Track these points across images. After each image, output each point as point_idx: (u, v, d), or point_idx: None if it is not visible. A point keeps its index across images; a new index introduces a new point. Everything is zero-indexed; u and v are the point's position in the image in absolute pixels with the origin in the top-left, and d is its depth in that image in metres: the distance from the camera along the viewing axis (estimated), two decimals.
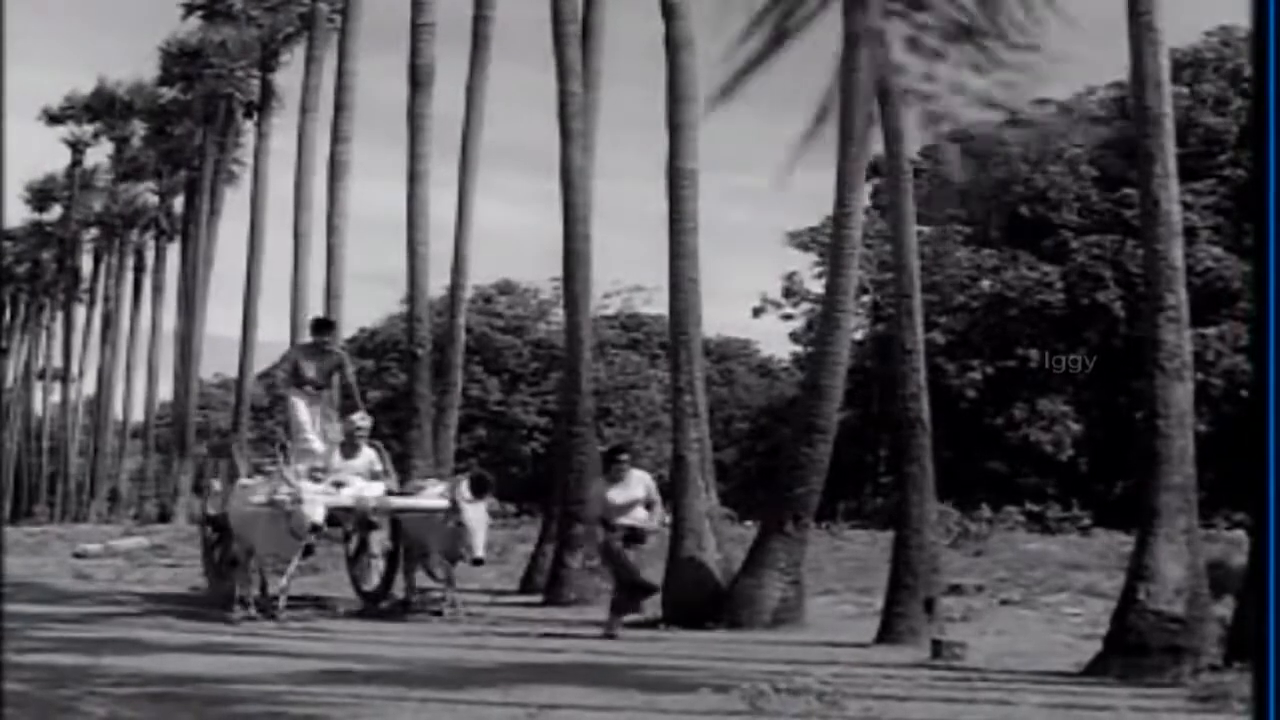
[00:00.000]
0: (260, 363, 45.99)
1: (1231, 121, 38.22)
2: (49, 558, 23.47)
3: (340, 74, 27.51)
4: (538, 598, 15.90)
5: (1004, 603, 15.62)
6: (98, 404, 51.93)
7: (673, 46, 15.21)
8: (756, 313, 44.88)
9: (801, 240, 42.22)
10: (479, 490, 13.69)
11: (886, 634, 12.27)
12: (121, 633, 12.29)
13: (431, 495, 14.24)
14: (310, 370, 15.12)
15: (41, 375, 58.71)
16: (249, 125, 41.60)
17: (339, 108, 27.26)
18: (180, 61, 41.36)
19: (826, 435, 13.77)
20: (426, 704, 8.36)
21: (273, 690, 8.92)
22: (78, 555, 23.55)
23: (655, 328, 49.15)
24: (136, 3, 79.35)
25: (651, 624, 13.38)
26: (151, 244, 50.97)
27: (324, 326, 16.45)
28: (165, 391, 48.84)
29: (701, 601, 13.59)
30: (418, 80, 22.47)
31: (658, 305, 43.57)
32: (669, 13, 15.25)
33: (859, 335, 37.85)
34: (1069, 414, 37.31)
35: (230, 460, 15.61)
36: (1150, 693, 9.23)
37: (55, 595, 16.46)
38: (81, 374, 55.25)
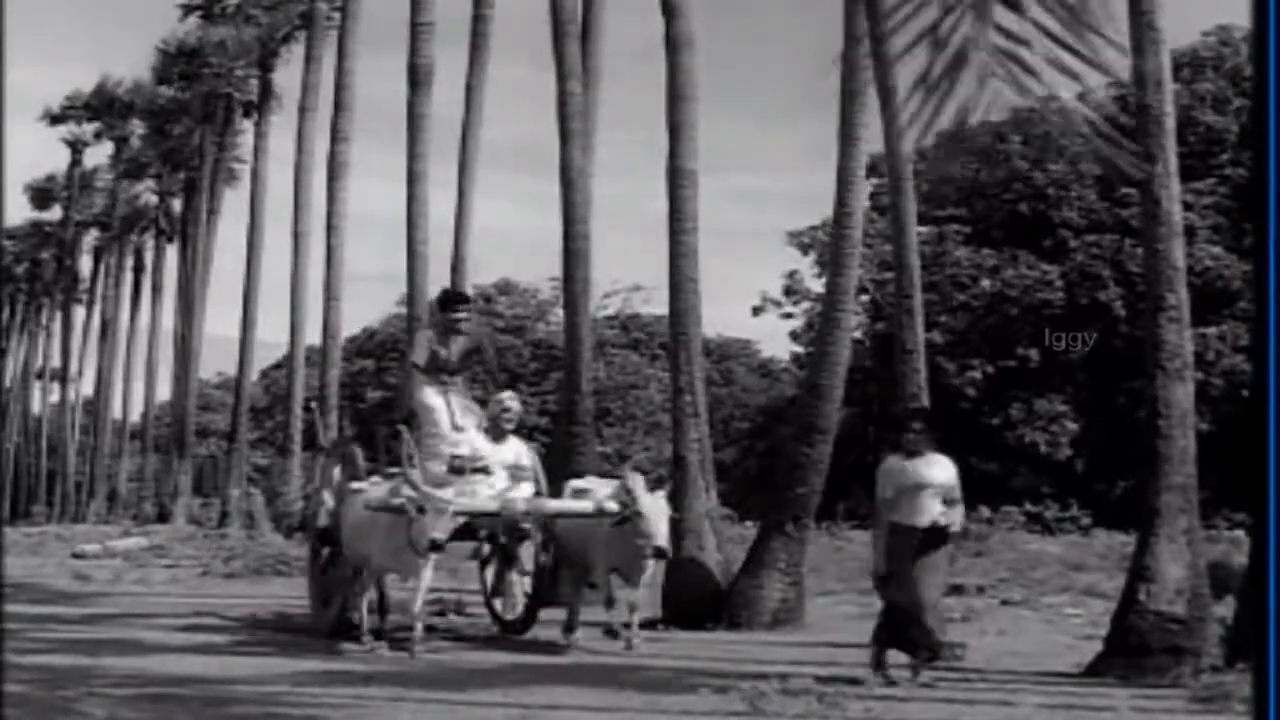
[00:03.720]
0: (260, 363, 46.12)
1: (1232, 120, 38.20)
2: (47, 558, 23.46)
3: (339, 73, 27.55)
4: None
5: (1004, 603, 15.62)
6: (96, 404, 51.92)
7: (673, 46, 15.18)
8: (756, 311, 44.85)
9: (802, 240, 42.22)
10: (655, 484, 11.78)
11: None
12: (121, 633, 12.27)
13: (596, 497, 11.97)
14: (442, 353, 12.48)
15: (40, 375, 58.74)
16: (248, 125, 41.59)
17: (338, 107, 27.29)
18: (179, 61, 41.36)
19: (827, 435, 13.75)
20: (426, 705, 8.35)
21: (272, 691, 8.90)
22: (76, 556, 23.55)
23: (655, 328, 49.14)
24: (138, 1, 79.39)
25: (651, 624, 13.36)
26: (151, 244, 50.97)
27: (456, 300, 13.12)
28: (164, 392, 48.91)
29: (701, 601, 13.56)
30: (417, 79, 22.49)
31: (658, 305, 43.61)
32: (669, 12, 15.23)
33: (859, 334, 37.85)
34: (1067, 414, 37.31)
35: (351, 464, 12.73)
36: (1151, 693, 9.21)
37: (55, 595, 16.44)
38: (80, 374, 55.35)
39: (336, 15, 30.22)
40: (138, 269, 51.86)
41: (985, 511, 25.78)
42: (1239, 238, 35.65)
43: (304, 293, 30.04)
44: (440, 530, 10.79)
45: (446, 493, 11.11)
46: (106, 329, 51.63)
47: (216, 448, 49.49)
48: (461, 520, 11.20)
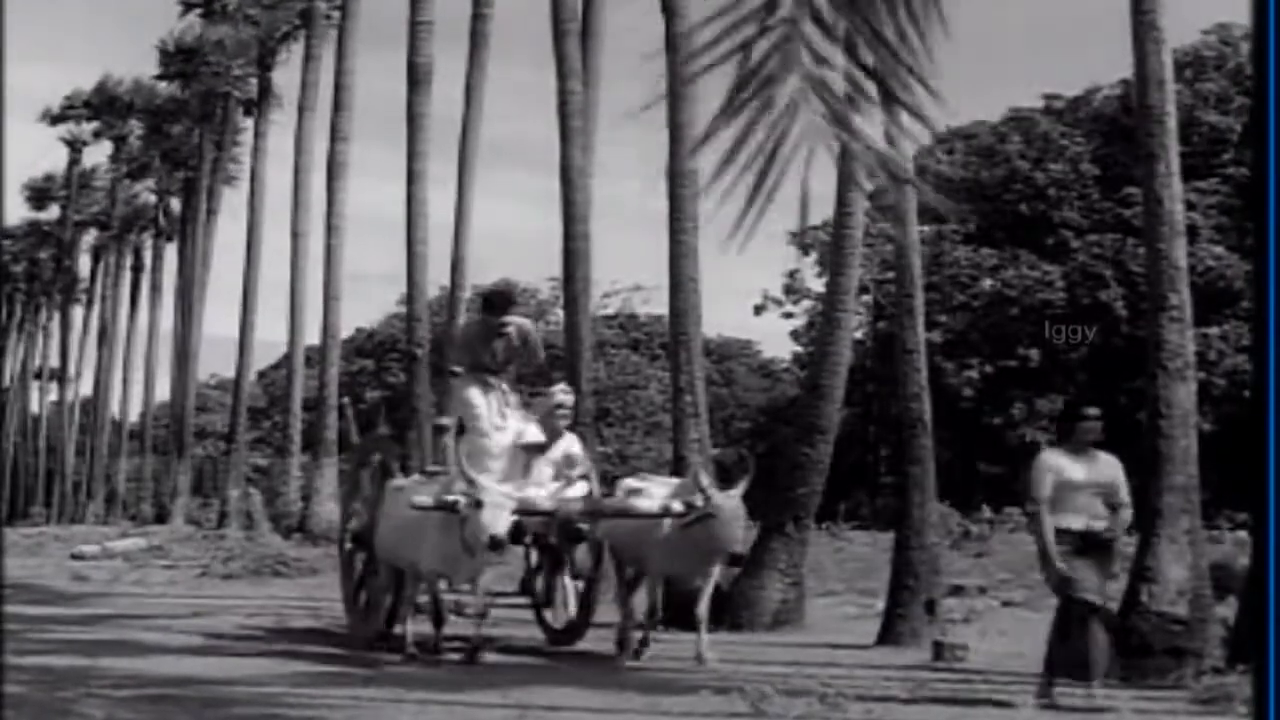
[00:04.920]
0: (258, 363, 46.05)
1: (1234, 120, 38.22)
2: (46, 559, 23.41)
3: (338, 72, 27.49)
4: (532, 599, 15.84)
5: (1006, 604, 15.60)
6: (95, 404, 51.87)
7: (673, 46, 15.14)
8: (758, 310, 44.94)
9: (803, 240, 42.21)
10: (726, 480, 10.85)
11: (888, 635, 12.25)
12: (119, 634, 12.23)
13: (655, 497, 11.09)
14: (484, 354, 11.78)
15: (38, 375, 58.67)
16: (247, 124, 41.55)
17: (337, 106, 27.24)
18: (177, 60, 41.31)
19: (827, 435, 13.72)
20: (425, 706, 8.32)
21: (271, 692, 8.87)
22: (75, 556, 23.47)
23: (655, 328, 49.11)
24: (138, 0, 79.31)
25: (651, 625, 13.32)
26: (150, 243, 50.92)
27: (501, 303, 12.15)
28: (162, 392, 48.85)
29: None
30: (416, 79, 22.48)
31: (658, 305, 43.59)
32: (669, 12, 15.20)
33: (860, 334, 37.86)
34: None
35: (386, 462, 12.02)
36: (1152, 694, 9.20)
37: (53, 596, 16.40)
38: (78, 374, 55.28)
39: (336, 14, 30.14)
40: (136, 269, 51.80)
41: (987, 512, 25.79)
42: (1241, 237, 35.68)
43: (303, 293, 29.95)
44: (500, 526, 9.92)
45: (504, 487, 10.30)
46: (105, 329, 51.56)
47: (214, 448, 49.47)
48: (515, 519, 10.35)
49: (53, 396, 58.98)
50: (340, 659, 10.62)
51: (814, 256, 41.52)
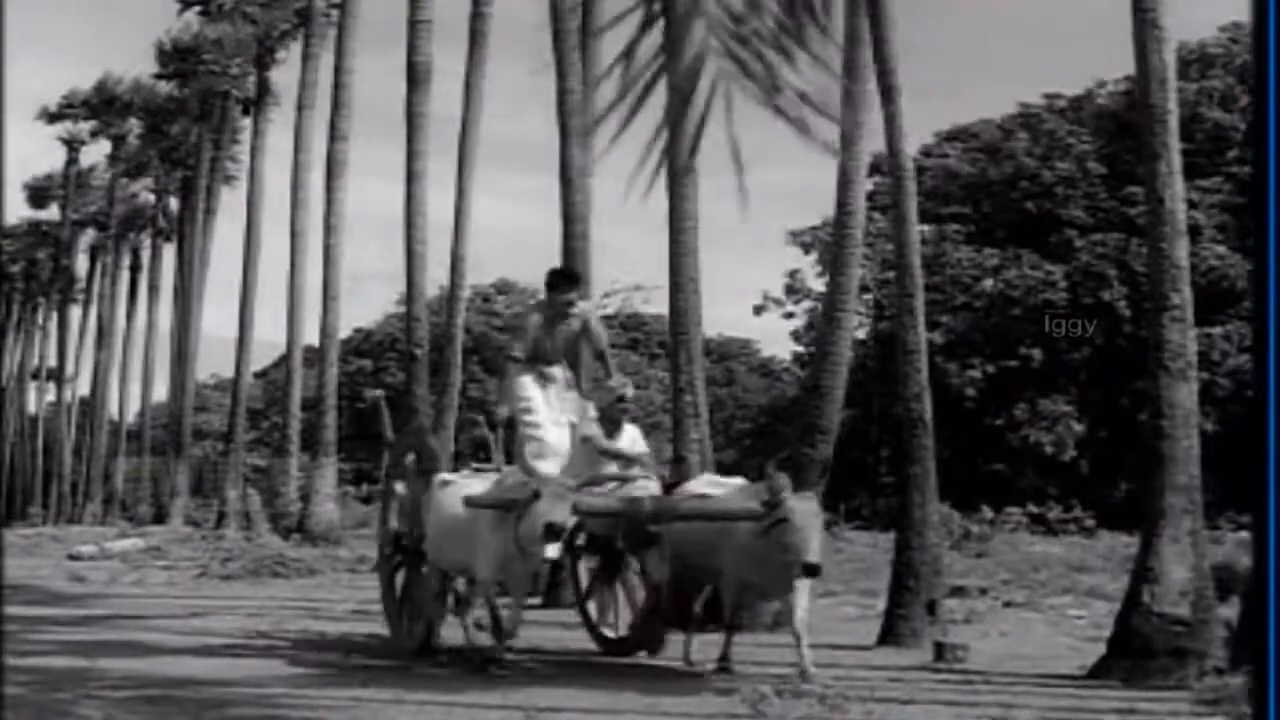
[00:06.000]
0: (257, 363, 45.99)
1: (1239, 118, 38.17)
2: (43, 559, 23.36)
3: (337, 71, 27.45)
4: (537, 600, 15.80)
5: (1007, 605, 15.58)
6: (92, 404, 51.83)
7: (671, 43, 15.10)
8: (758, 310, 44.90)
9: (803, 239, 42.20)
10: (799, 483, 10.05)
11: (888, 636, 12.19)
12: (117, 635, 12.19)
13: (723, 498, 10.21)
14: (546, 340, 11.03)
15: (36, 375, 58.65)
16: (245, 123, 41.48)
17: (336, 105, 27.20)
18: (175, 58, 41.28)
19: (828, 436, 13.66)
20: (425, 707, 8.29)
21: (270, 693, 8.84)
22: (72, 557, 23.42)
23: (655, 328, 49.10)
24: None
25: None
26: (148, 243, 50.89)
27: (566, 281, 11.51)
28: (160, 392, 48.84)
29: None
30: (415, 78, 22.45)
31: (658, 305, 43.56)
32: (669, 11, 15.16)
33: (861, 334, 37.82)
34: (1071, 414, 37.24)
35: (425, 454, 11.30)
36: (1154, 696, 9.15)
37: (51, 597, 16.36)
38: (76, 374, 55.26)
39: (335, 12, 30.10)
40: (134, 268, 51.79)
41: (988, 512, 25.77)
42: (1244, 236, 35.65)
43: (301, 292, 29.90)
44: (558, 514, 9.13)
45: (568, 480, 9.57)
46: (103, 329, 51.52)
47: (213, 449, 49.44)
48: (574, 520, 9.59)
49: (50, 396, 59.01)
50: (340, 660, 10.59)
51: (814, 256, 41.51)
